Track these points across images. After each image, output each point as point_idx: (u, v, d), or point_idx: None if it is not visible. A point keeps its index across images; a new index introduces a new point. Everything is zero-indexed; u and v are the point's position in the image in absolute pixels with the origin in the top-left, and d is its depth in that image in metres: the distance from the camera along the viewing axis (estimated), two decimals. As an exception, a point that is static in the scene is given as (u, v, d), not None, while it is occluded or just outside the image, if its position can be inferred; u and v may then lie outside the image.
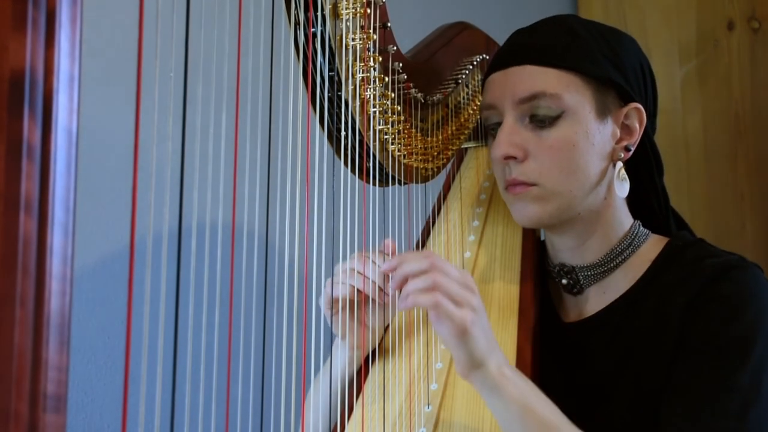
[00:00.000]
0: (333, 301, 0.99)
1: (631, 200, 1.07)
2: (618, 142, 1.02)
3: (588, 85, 0.99)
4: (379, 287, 0.98)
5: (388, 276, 0.95)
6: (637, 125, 1.02)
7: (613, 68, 1.00)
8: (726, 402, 0.88)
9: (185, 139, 0.58)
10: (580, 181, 1.00)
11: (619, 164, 1.03)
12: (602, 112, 1.00)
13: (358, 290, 0.97)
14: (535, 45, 1.01)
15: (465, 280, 0.85)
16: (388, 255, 0.98)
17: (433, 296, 0.82)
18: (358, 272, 0.97)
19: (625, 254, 1.05)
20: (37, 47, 0.42)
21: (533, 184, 0.99)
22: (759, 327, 0.93)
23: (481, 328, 0.84)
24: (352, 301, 0.99)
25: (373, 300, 0.99)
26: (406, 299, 0.83)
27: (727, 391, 0.89)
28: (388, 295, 0.98)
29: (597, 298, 1.07)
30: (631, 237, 1.06)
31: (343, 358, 1.04)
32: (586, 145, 0.98)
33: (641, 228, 1.07)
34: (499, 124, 1.02)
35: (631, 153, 1.03)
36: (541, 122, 0.98)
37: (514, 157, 0.99)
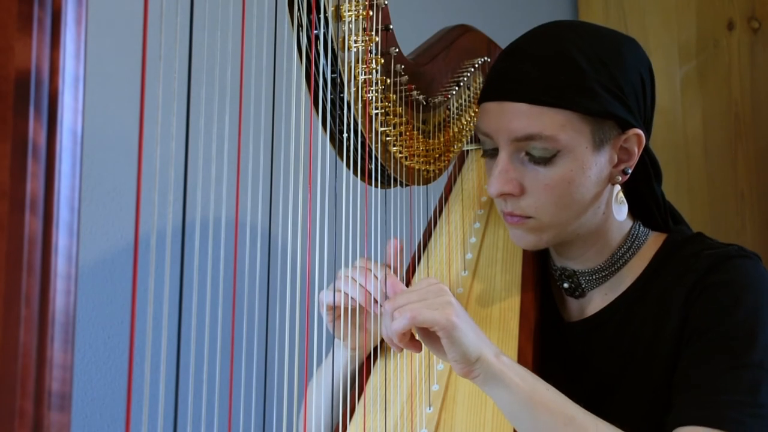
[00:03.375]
0: (330, 308, 1.00)
1: (631, 204, 1.07)
2: (615, 166, 1.00)
3: (585, 122, 0.95)
4: (375, 300, 0.99)
5: (384, 290, 0.97)
6: (636, 149, 1.00)
7: (613, 99, 0.96)
8: (736, 380, 0.89)
9: (189, 139, 0.58)
10: (575, 211, 0.99)
11: (617, 187, 1.03)
12: (599, 144, 0.97)
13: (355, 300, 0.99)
14: (531, 80, 0.96)
15: (429, 286, 0.86)
16: (389, 267, 0.99)
17: (407, 314, 0.83)
18: (360, 284, 0.98)
19: (626, 257, 1.06)
20: (43, 48, 0.42)
21: (529, 217, 0.99)
22: (761, 312, 0.94)
23: (466, 320, 0.85)
24: (351, 309, 1.00)
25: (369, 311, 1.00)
26: (392, 335, 0.84)
27: (737, 369, 0.90)
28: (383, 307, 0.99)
29: (599, 300, 1.08)
30: (631, 239, 1.06)
31: (342, 357, 1.05)
32: (581, 179, 0.97)
33: (641, 228, 1.07)
34: (496, 149, 1.00)
35: (628, 176, 1.02)
36: (536, 160, 0.96)
37: (510, 194, 0.99)
